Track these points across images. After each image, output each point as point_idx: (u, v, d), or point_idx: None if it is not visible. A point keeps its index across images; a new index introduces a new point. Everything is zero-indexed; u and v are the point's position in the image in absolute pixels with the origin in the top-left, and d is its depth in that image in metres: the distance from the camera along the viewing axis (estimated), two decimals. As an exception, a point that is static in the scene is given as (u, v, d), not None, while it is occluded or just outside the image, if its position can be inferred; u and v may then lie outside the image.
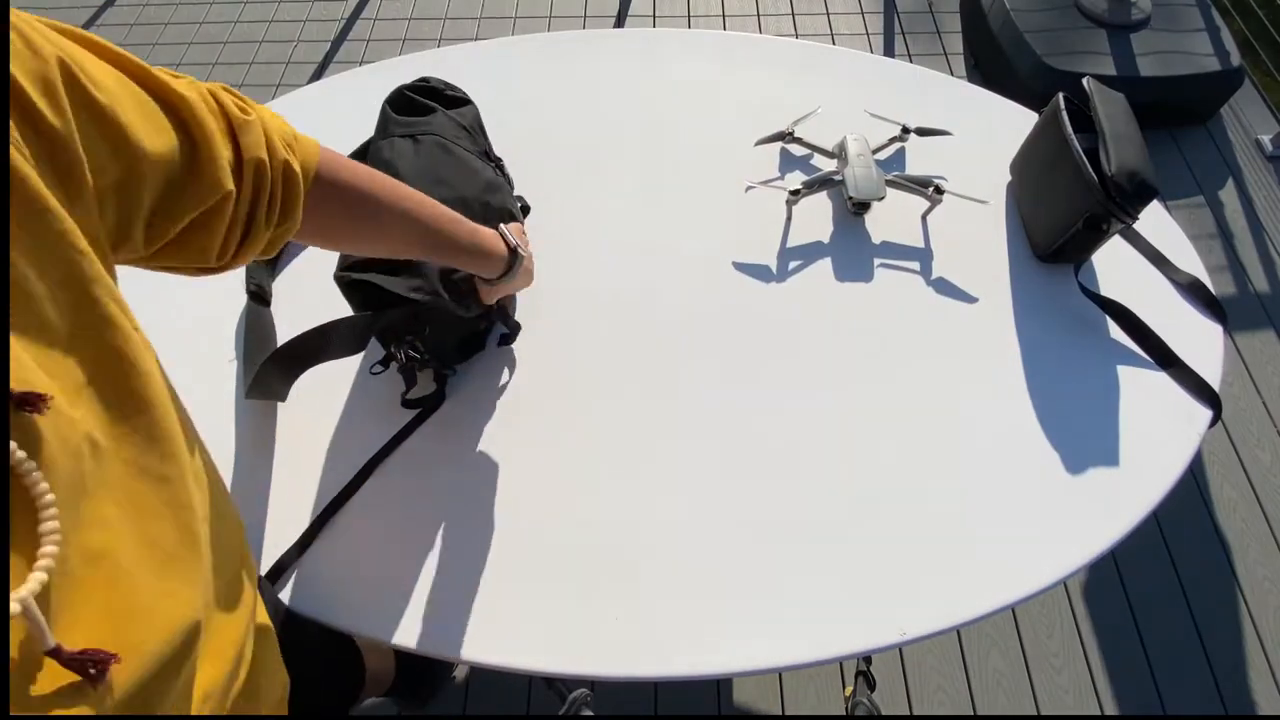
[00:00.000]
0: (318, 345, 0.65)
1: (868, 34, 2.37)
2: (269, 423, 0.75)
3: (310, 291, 0.72)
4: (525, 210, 0.89)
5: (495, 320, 0.77)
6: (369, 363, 0.75)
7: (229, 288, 0.83)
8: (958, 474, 0.71)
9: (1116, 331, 0.80)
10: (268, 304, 0.83)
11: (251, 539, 0.67)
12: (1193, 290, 0.84)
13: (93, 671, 0.26)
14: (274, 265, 0.88)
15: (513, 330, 0.77)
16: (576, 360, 0.79)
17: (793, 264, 0.87)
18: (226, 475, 0.72)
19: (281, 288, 0.86)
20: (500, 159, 0.84)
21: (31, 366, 0.26)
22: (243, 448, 0.74)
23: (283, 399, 0.73)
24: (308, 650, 0.63)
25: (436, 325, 0.68)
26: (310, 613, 0.65)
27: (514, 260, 0.65)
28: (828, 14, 2.42)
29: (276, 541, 0.67)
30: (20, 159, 0.26)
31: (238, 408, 0.76)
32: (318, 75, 2.34)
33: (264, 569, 0.66)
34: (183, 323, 0.83)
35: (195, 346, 0.81)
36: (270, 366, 0.66)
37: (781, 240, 0.89)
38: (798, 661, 0.62)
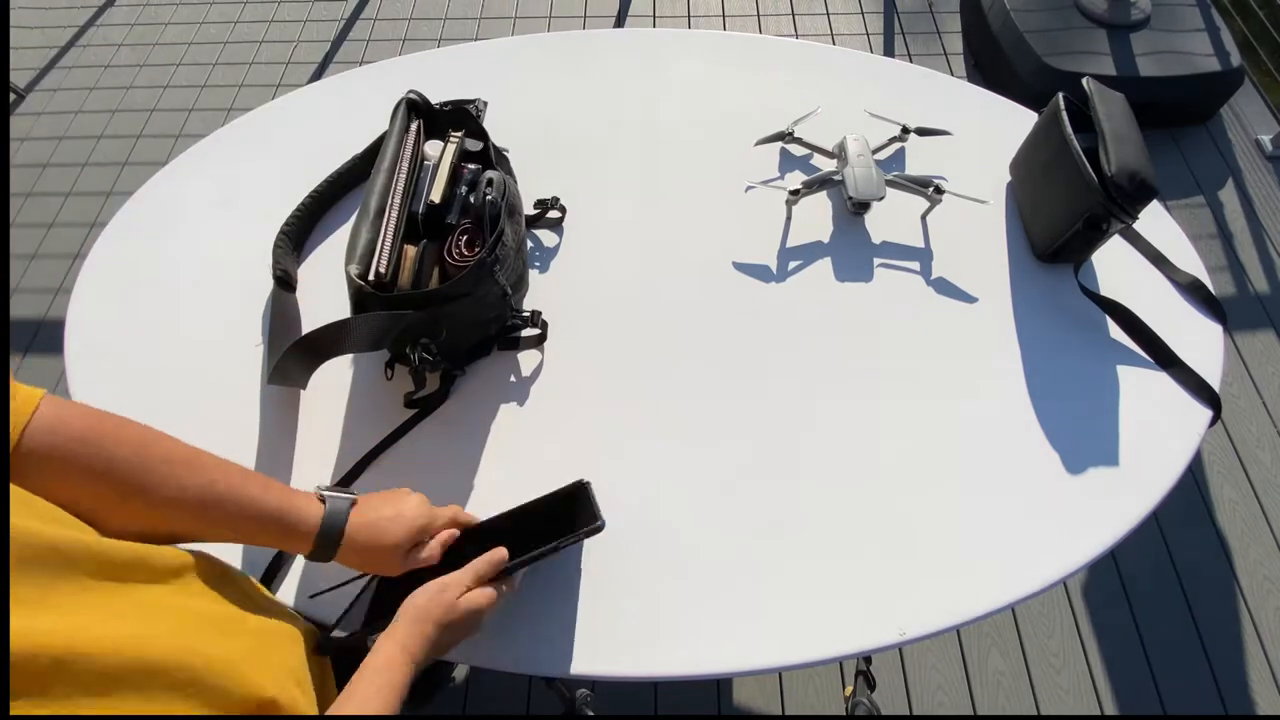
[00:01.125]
0: (337, 337, 0.65)
1: (868, 34, 2.37)
2: (291, 410, 0.76)
3: (334, 277, 0.72)
4: (560, 208, 0.90)
5: (520, 324, 0.78)
6: (379, 360, 0.75)
7: (256, 274, 0.84)
8: (957, 474, 0.71)
9: (1116, 331, 0.80)
10: (293, 289, 0.84)
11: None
12: (1193, 290, 0.84)
13: None
14: (299, 251, 0.88)
15: (543, 329, 0.79)
16: (575, 359, 0.79)
17: (793, 264, 0.87)
18: (249, 461, 0.72)
19: (306, 273, 0.86)
20: (505, 150, 0.84)
21: None
22: (265, 435, 0.74)
23: (303, 386, 0.74)
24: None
25: (453, 329, 0.69)
26: (311, 614, 0.65)
27: (329, 530, 0.53)
28: (828, 14, 2.42)
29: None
30: None
31: (263, 393, 0.77)
32: (318, 75, 2.34)
33: (264, 565, 0.66)
34: (213, 307, 0.84)
35: (225, 330, 0.82)
36: (290, 356, 0.66)
37: (781, 240, 0.89)
38: (798, 661, 0.62)
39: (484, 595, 0.55)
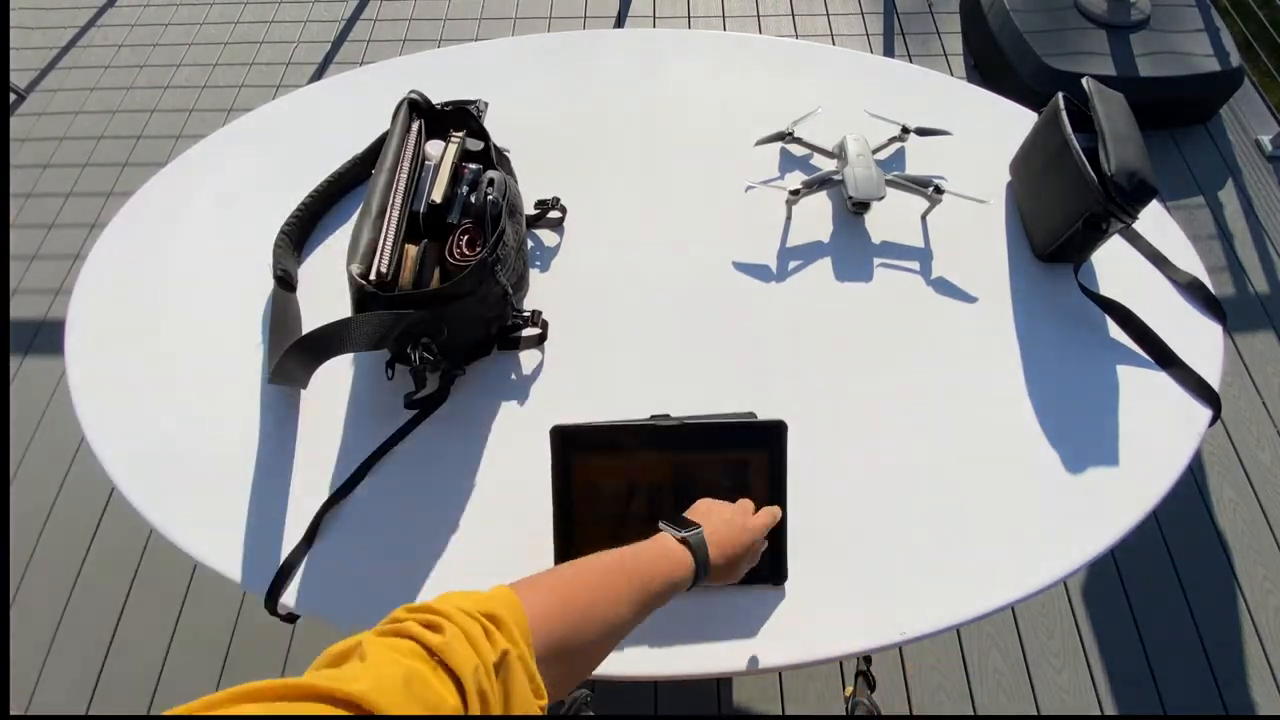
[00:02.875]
0: (338, 336, 0.65)
1: (867, 34, 2.37)
2: (292, 410, 0.76)
3: (335, 277, 0.73)
4: (560, 209, 0.90)
5: (521, 324, 0.78)
6: (379, 360, 0.76)
7: (257, 273, 0.84)
8: (957, 474, 0.71)
9: (1116, 331, 0.80)
10: (293, 289, 0.84)
11: (269, 531, 0.68)
12: (1192, 290, 0.84)
13: None
14: (299, 251, 0.88)
15: (543, 329, 0.79)
16: (575, 359, 0.79)
17: (793, 264, 0.87)
18: (250, 462, 0.73)
19: (306, 273, 0.86)
20: (506, 150, 0.85)
21: None
22: (265, 435, 0.74)
23: (304, 386, 0.74)
24: None
25: (454, 328, 0.69)
26: (313, 612, 0.65)
27: (697, 557, 0.53)
28: (828, 14, 2.43)
29: (289, 536, 0.68)
30: None
31: (263, 393, 0.77)
32: (318, 76, 2.34)
33: (273, 568, 0.66)
34: (213, 307, 0.84)
35: (225, 330, 0.82)
36: (292, 355, 0.66)
37: (781, 240, 0.89)
38: (798, 661, 0.62)
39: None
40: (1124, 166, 0.74)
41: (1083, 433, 0.73)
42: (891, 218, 0.90)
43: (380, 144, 0.81)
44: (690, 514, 0.58)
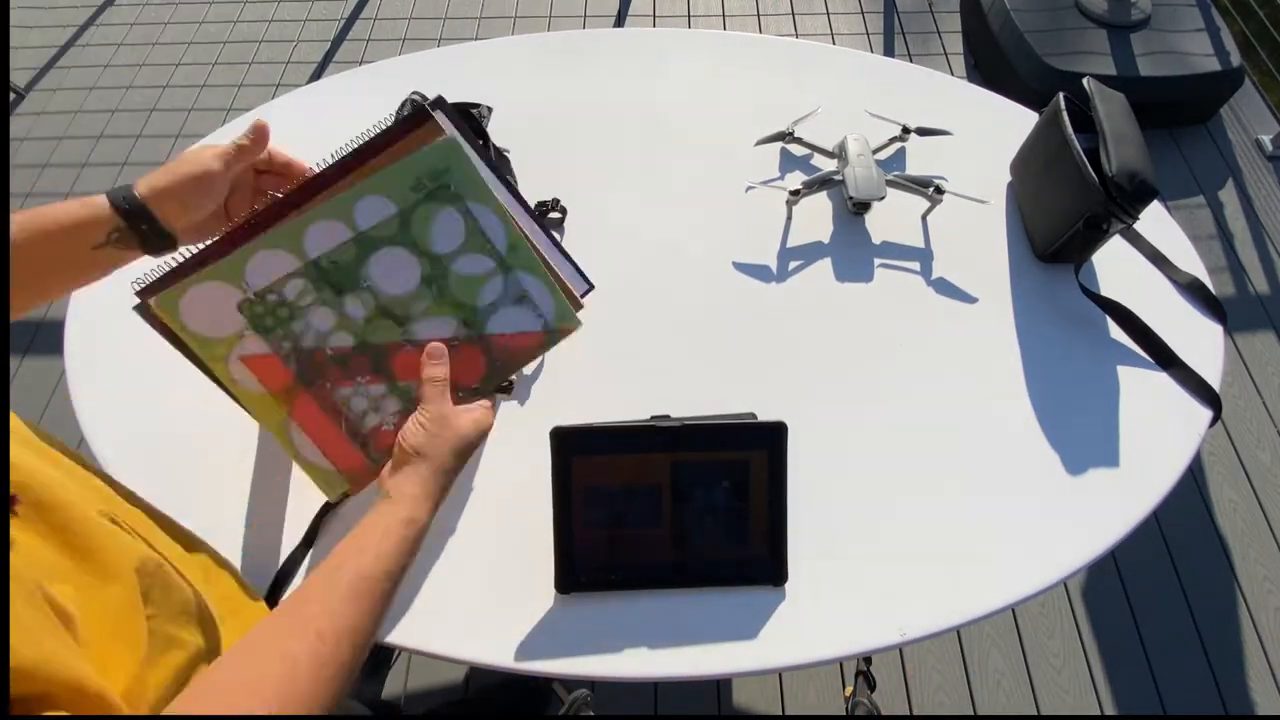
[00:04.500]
0: None
1: (868, 34, 2.37)
2: None
3: None
4: (560, 210, 0.90)
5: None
6: None
7: None
8: (957, 474, 0.71)
9: (1116, 331, 0.80)
10: None
11: (269, 531, 0.68)
12: (1193, 290, 0.84)
13: None
14: None
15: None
16: (575, 359, 0.79)
17: (793, 264, 0.87)
18: (248, 463, 0.72)
19: None
20: (505, 150, 0.85)
21: None
22: (264, 435, 0.74)
23: None
24: None
25: None
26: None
27: (123, 209, 0.54)
28: (828, 14, 2.43)
29: (289, 536, 0.68)
30: None
31: None
32: (317, 75, 2.34)
33: (273, 570, 0.66)
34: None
35: None
36: None
37: (781, 240, 0.89)
38: (798, 661, 0.62)
39: (486, 411, 0.60)
40: (1125, 167, 0.74)
41: (1083, 433, 0.73)
42: (892, 218, 0.90)
43: None
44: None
